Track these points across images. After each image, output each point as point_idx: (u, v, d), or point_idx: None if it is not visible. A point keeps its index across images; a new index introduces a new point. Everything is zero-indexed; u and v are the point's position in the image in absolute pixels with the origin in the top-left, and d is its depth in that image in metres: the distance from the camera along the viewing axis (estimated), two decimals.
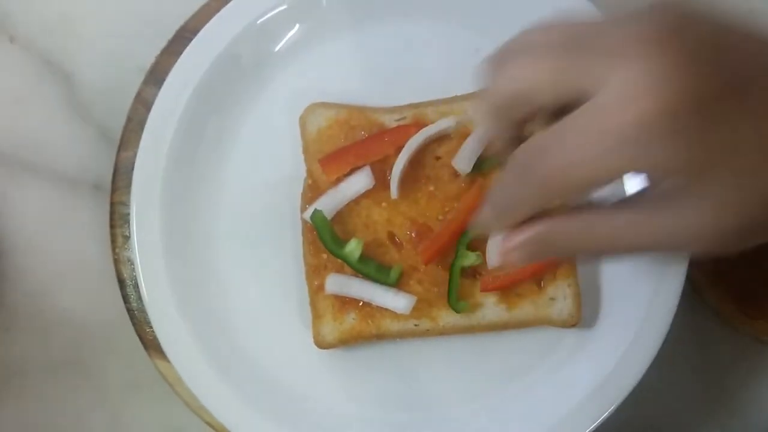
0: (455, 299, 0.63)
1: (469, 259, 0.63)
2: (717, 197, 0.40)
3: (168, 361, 0.65)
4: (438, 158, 0.65)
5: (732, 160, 0.39)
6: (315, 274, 0.65)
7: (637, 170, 0.40)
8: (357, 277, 0.64)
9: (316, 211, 0.63)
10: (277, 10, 0.67)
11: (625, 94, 0.39)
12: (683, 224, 0.41)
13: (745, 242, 0.42)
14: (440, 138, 0.64)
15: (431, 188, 0.65)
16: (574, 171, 0.40)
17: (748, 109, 0.39)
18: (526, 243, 0.45)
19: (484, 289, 0.64)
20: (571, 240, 0.44)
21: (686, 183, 0.41)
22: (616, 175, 0.40)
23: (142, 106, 0.70)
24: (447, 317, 0.64)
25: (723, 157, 0.39)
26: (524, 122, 0.46)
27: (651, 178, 0.43)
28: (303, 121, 0.66)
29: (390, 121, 0.66)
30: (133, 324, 0.69)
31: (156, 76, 0.70)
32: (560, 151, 0.41)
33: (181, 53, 0.67)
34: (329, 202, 0.64)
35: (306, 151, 0.66)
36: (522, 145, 0.43)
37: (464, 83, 0.66)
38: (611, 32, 0.41)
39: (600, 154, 0.39)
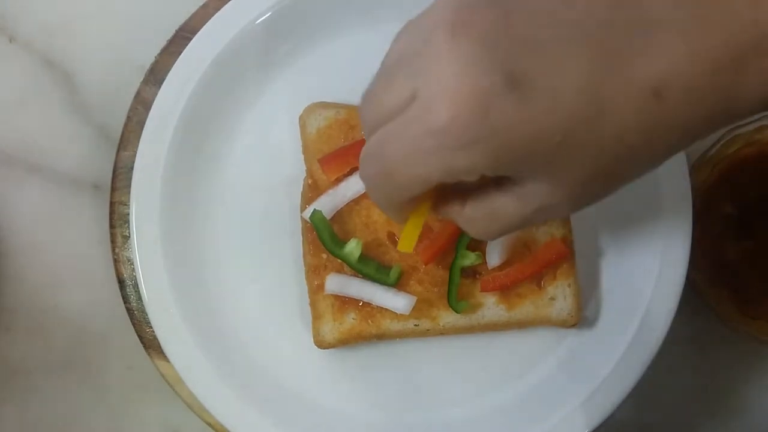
0: (455, 299, 0.63)
1: (469, 259, 0.63)
2: (538, 184, 0.44)
3: (168, 361, 0.66)
4: None
5: (530, 156, 0.42)
6: (315, 274, 0.65)
7: (455, 171, 0.43)
8: (357, 277, 0.64)
9: (315, 211, 0.63)
10: (276, 10, 0.67)
11: (426, 102, 0.42)
12: (530, 204, 0.45)
13: (593, 202, 0.46)
14: None
15: None
16: (405, 171, 0.44)
17: (530, 100, 0.41)
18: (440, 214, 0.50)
19: (484, 289, 0.64)
20: (465, 224, 0.49)
21: (515, 177, 0.44)
22: (445, 174, 0.43)
23: (141, 105, 0.70)
24: (447, 317, 0.64)
25: (521, 153, 0.42)
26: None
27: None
28: (303, 121, 0.66)
29: None
30: (133, 324, 0.69)
31: (156, 75, 0.70)
32: (392, 152, 0.44)
33: (180, 53, 0.67)
34: (329, 202, 0.64)
35: (306, 151, 0.66)
36: (366, 145, 0.47)
37: None
38: (416, 40, 0.45)
39: (420, 158, 0.43)
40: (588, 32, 0.41)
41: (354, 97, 0.66)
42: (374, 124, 0.46)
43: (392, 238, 0.65)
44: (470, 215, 0.48)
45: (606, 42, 0.41)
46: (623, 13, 0.41)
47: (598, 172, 0.43)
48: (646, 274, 0.64)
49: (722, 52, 0.41)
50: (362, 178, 0.49)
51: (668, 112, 0.41)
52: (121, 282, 0.70)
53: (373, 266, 0.64)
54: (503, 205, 0.46)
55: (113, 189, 0.70)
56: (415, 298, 0.63)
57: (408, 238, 0.53)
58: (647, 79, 0.41)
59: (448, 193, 0.49)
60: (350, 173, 0.65)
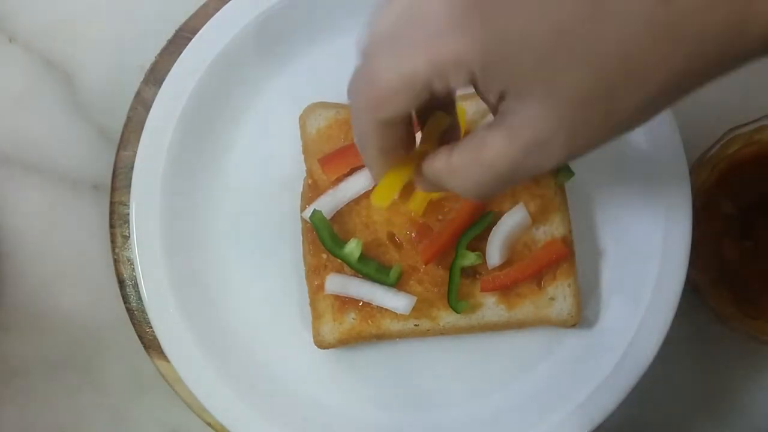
0: (455, 299, 0.63)
1: (469, 259, 0.63)
2: (530, 106, 0.40)
3: (168, 361, 0.65)
4: None
5: (521, 53, 0.39)
6: (315, 274, 0.65)
7: (442, 64, 0.40)
8: (357, 277, 0.64)
9: (315, 211, 0.63)
10: (276, 10, 0.67)
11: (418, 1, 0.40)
12: (521, 138, 0.41)
13: (590, 143, 0.42)
14: None
15: None
16: (390, 72, 0.42)
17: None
18: (422, 176, 0.48)
19: (484, 289, 0.64)
20: (451, 175, 0.46)
21: (508, 97, 0.41)
22: (431, 69, 0.40)
23: (141, 105, 0.70)
24: (447, 317, 0.64)
25: (512, 49, 0.39)
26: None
27: (466, 84, 0.42)
28: (303, 121, 0.66)
29: None
30: (133, 324, 0.69)
31: (155, 75, 0.70)
32: (379, 56, 0.42)
33: (180, 53, 0.67)
34: (329, 202, 0.64)
35: (306, 150, 0.66)
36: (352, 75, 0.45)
37: None
38: None
39: (406, 52, 0.41)
40: None
41: None
42: (366, 48, 0.44)
43: (392, 238, 0.65)
44: (457, 163, 0.45)
45: None
46: None
47: (597, 90, 0.39)
48: (646, 274, 0.64)
49: None
50: (349, 98, 0.46)
51: (676, 18, 0.37)
52: (121, 282, 0.70)
53: (373, 266, 0.64)
54: (491, 143, 0.42)
55: (113, 189, 0.70)
56: (415, 298, 0.63)
57: (385, 190, 0.50)
58: None
59: (436, 150, 0.46)
60: (350, 173, 0.65)
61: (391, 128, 0.45)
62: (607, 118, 0.40)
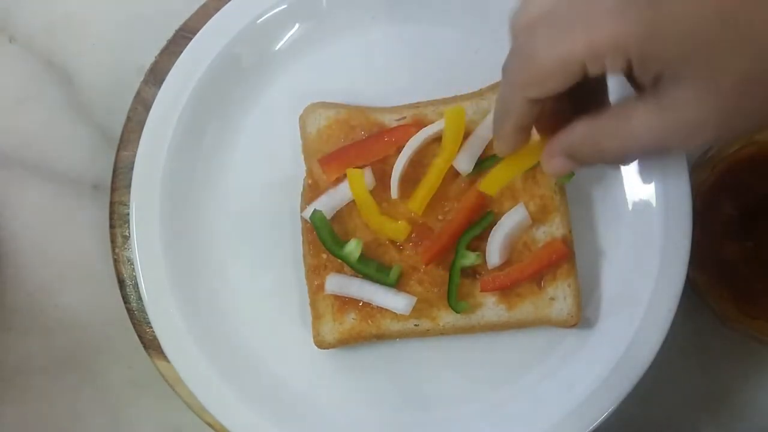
0: (455, 299, 0.63)
1: (469, 259, 0.63)
2: (687, 89, 0.41)
3: (168, 361, 0.66)
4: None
5: (683, 38, 0.39)
6: (315, 274, 0.65)
7: (600, 46, 0.41)
8: (357, 277, 0.64)
9: (315, 211, 0.63)
10: (276, 10, 0.67)
11: None
12: (673, 117, 0.42)
13: (741, 128, 0.42)
14: (440, 138, 0.64)
15: None
16: (548, 51, 0.43)
17: None
18: (557, 149, 0.48)
19: (484, 289, 0.64)
20: (592, 143, 0.46)
21: (664, 79, 0.41)
22: (588, 50, 0.41)
23: (141, 105, 0.70)
24: (447, 317, 0.64)
25: (673, 33, 0.39)
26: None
27: (627, 68, 0.43)
28: (303, 121, 0.66)
29: (390, 121, 0.66)
30: (133, 324, 0.69)
31: (155, 75, 0.70)
32: (538, 35, 0.43)
33: (180, 53, 0.67)
34: (329, 202, 0.64)
35: (306, 150, 0.66)
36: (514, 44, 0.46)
37: (464, 83, 0.66)
38: None
39: (565, 33, 0.42)
40: None
41: (354, 97, 0.67)
42: (523, 30, 0.44)
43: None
44: (602, 130, 0.45)
45: None
46: None
47: (755, 77, 0.39)
48: (646, 274, 0.64)
49: None
50: (503, 73, 0.47)
51: None
52: (121, 282, 0.70)
53: (373, 266, 0.63)
54: (640, 117, 0.43)
55: (113, 189, 0.70)
56: (415, 299, 0.63)
57: (500, 175, 0.52)
58: None
59: (574, 124, 0.47)
60: None
61: (536, 107, 0.46)
62: (763, 105, 0.41)
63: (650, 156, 0.47)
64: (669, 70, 0.41)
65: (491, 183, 0.60)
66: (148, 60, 0.71)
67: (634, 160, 0.46)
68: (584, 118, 0.47)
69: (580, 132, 0.47)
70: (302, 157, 0.67)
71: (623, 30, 0.40)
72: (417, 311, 0.63)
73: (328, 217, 0.64)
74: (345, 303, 0.64)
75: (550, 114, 0.49)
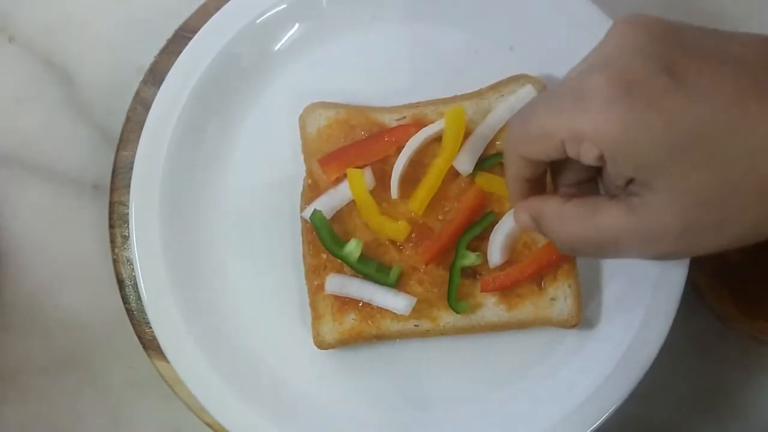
0: (455, 299, 0.63)
1: (469, 259, 0.63)
2: (655, 195, 0.43)
3: (167, 361, 0.65)
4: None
5: (656, 147, 0.42)
6: (315, 274, 0.65)
7: (580, 132, 0.44)
8: (357, 277, 0.64)
9: (315, 211, 0.63)
10: (276, 10, 0.67)
11: (581, 75, 0.45)
12: (636, 221, 0.45)
13: (698, 245, 0.45)
14: (440, 138, 0.64)
15: None
16: (538, 120, 0.46)
17: (679, 89, 0.42)
18: (528, 209, 0.52)
19: (484, 290, 0.64)
20: (557, 223, 0.50)
21: (636, 182, 0.44)
22: (569, 133, 0.44)
23: (141, 105, 0.70)
24: (447, 317, 0.64)
25: (647, 141, 0.42)
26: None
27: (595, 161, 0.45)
28: (303, 121, 0.66)
29: (390, 121, 0.66)
30: (133, 324, 0.69)
31: (155, 75, 0.70)
32: (537, 105, 0.47)
33: (180, 53, 0.67)
34: (329, 202, 0.64)
35: (305, 150, 0.66)
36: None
37: (464, 83, 0.66)
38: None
39: (554, 112, 0.45)
40: (746, 64, 0.42)
41: (354, 97, 0.67)
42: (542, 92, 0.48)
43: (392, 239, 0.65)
44: (568, 213, 0.48)
45: (760, 77, 0.42)
46: None
47: (719, 193, 0.42)
48: (646, 274, 0.64)
49: None
50: (509, 126, 0.52)
51: None
52: (120, 282, 0.70)
53: (373, 266, 0.63)
54: (611, 210, 0.46)
55: (113, 189, 0.70)
56: (415, 299, 0.63)
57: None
58: None
59: (551, 196, 0.51)
60: None
61: (527, 165, 0.49)
62: (722, 224, 0.43)
63: (596, 256, 0.51)
64: (640, 175, 0.44)
65: (490, 181, 0.61)
66: (148, 60, 0.71)
67: (580, 254, 0.50)
68: (558, 196, 0.51)
69: (551, 207, 0.50)
70: (302, 157, 0.67)
71: (603, 126, 0.43)
72: (417, 311, 0.63)
73: (328, 217, 0.64)
74: (345, 303, 0.64)
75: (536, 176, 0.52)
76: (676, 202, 0.43)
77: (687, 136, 0.42)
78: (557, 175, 0.52)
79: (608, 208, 0.46)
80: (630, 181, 0.45)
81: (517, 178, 0.52)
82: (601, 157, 0.44)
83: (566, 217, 0.49)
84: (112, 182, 0.70)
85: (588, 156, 0.44)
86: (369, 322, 0.64)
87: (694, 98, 0.42)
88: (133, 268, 0.67)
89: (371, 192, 0.64)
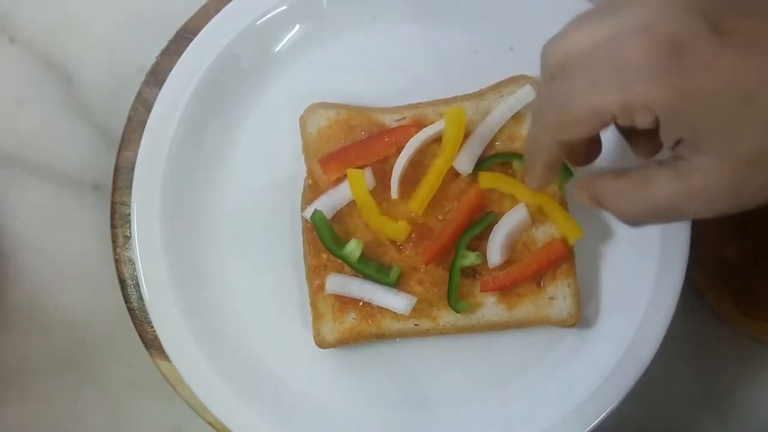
0: (455, 299, 0.63)
1: (470, 259, 0.63)
2: (705, 157, 0.43)
3: (169, 361, 0.66)
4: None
5: (707, 109, 0.42)
6: (315, 274, 0.65)
7: (631, 105, 0.43)
8: (357, 277, 0.64)
9: (315, 211, 0.63)
10: (277, 11, 0.67)
11: (619, 38, 0.43)
12: (689, 184, 0.44)
13: (751, 200, 0.44)
14: (440, 138, 0.64)
15: None
16: (581, 101, 0.44)
17: (728, 46, 0.41)
18: (587, 189, 0.51)
19: (484, 289, 0.64)
20: (614, 201, 0.49)
21: (684, 144, 0.43)
22: (620, 107, 0.43)
23: (142, 106, 0.70)
24: (447, 317, 0.64)
25: (699, 104, 0.41)
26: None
27: (647, 125, 0.45)
28: (303, 121, 0.66)
29: (390, 121, 0.66)
30: (134, 324, 0.69)
31: (156, 76, 0.70)
32: (573, 83, 0.45)
33: (181, 54, 0.67)
34: (329, 202, 0.64)
35: (306, 151, 0.66)
36: (544, 86, 0.48)
37: (464, 84, 0.66)
38: None
39: (599, 86, 0.43)
40: None
41: (354, 97, 0.67)
42: (558, 64, 0.46)
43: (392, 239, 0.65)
44: (623, 188, 0.48)
45: None
46: None
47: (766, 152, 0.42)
48: (646, 274, 0.64)
49: None
50: (533, 114, 0.49)
51: None
52: (122, 282, 0.70)
53: (373, 266, 0.64)
54: (659, 180, 0.45)
55: (114, 189, 0.70)
56: (415, 299, 0.63)
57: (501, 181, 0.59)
58: None
59: (605, 174, 0.49)
60: None
61: (566, 147, 0.48)
62: None
63: (663, 222, 0.50)
64: (691, 136, 0.43)
65: (491, 179, 0.61)
66: (149, 60, 0.71)
67: (648, 224, 0.49)
68: (609, 174, 0.49)
69: (606, 186, 0.49)
70: (302, 157, 0.67)
71: (656, 93, 0.42)
72: (417, 311, 0.64)
73: (329, 217, 0.64)
74: (345, 303, 0.64)
75: (580, 149, 0.52)
76: (727, 162, 0.43)
77: (741, 95, 0.41)
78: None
79: (658, 178, 0.45)
80: (678, 141, 0.44)
81: (551, 165, 0.51)
82: (656, 120, 0.43)
83: (621, 194, 0.48)
84: (114, 182, 0.70)
85: (643, 123, 0.43)
86: (369, 321, 0.64)
87: (745, 56, 0.41)
88: (134, 268, 0.67)
89: (371, 192, 0.64)
